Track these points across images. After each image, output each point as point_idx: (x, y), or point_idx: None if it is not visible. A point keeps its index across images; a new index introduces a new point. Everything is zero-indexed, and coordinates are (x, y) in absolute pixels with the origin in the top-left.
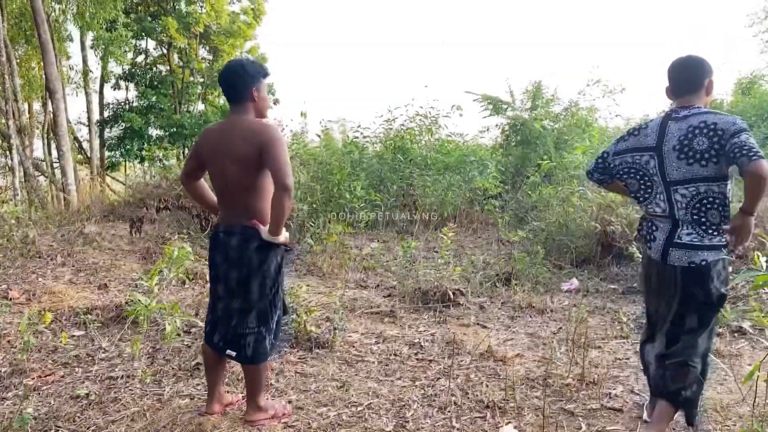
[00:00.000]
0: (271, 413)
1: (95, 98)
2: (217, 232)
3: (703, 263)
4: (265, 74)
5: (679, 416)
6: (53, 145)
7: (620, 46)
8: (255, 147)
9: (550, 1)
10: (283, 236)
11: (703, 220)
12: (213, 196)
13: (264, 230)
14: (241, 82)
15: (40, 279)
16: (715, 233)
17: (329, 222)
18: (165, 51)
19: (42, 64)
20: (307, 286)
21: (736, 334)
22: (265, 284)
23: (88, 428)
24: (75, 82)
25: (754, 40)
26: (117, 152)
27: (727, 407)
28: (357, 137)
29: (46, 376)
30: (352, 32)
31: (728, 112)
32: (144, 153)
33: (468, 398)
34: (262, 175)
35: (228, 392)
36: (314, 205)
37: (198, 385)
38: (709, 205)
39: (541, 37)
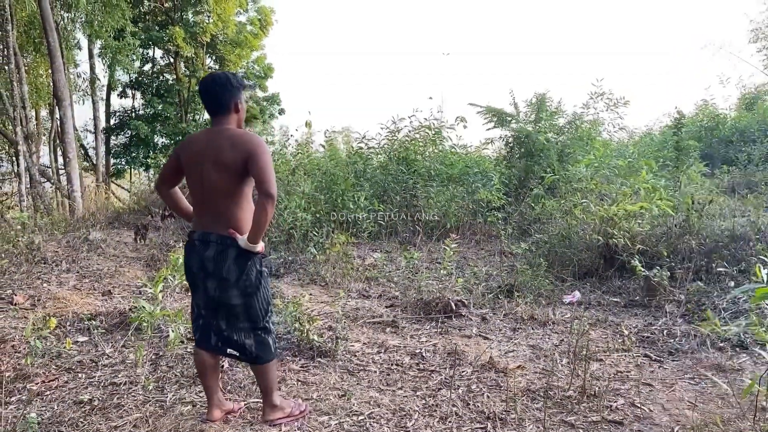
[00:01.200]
0: (287, 411)
1: (102, 106)
2: (192, 239)
3: None
4: (245, 86)
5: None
6: (59, 152)
7: (625, 54)
8: (242, 154)
9: (555, 10)
10: (260, 245)
11: None
12: (188, 204)
13: (242, 239)
14: (227, 94)
15: (44, 285)
16: None
17: (333, 232)
18: (172, 60)
19: (50, 71)
20: (310, 295)
21: (737, 349)
22: (249, 294)
23: None
24: (82, 90)
25: (758, 55)
26: (122, 160)
27: (728, 422)
28: (361, 147)
29: (49, 382)
30: (357, 42)
31: (731, 127)
32: (149, 161)
33: (469, 409)
34: (244, 183)
35: (229, 399)
36: (318, 215)
37: (200, 392)
38: None
39: (546, 46)
